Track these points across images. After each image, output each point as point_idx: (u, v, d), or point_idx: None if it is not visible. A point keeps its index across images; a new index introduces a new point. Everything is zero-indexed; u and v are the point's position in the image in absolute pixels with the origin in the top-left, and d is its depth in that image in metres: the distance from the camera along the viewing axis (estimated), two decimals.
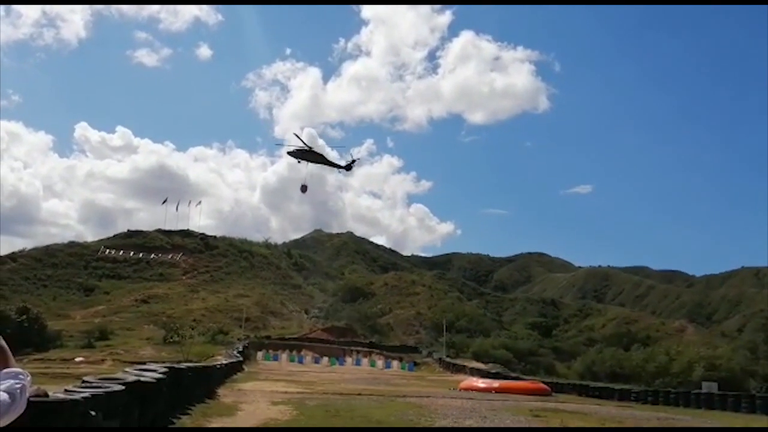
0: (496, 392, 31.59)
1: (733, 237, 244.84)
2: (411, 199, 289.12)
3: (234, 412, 17.49)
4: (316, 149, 47.23)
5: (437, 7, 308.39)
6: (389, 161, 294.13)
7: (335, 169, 49.52)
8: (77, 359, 44.18)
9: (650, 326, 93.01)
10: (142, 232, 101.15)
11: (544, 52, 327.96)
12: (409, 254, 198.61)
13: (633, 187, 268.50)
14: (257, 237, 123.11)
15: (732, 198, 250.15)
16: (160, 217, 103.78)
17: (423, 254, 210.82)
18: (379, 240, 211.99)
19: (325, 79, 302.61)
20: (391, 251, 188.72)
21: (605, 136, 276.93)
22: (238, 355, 44.58)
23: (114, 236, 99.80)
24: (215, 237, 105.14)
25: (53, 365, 39.22)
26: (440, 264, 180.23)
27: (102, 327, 58.14)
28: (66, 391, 8.27)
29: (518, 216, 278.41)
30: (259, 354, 54.59)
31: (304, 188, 49.76)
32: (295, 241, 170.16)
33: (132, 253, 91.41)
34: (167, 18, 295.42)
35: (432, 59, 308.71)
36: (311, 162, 46.86)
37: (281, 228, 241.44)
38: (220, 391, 22.95)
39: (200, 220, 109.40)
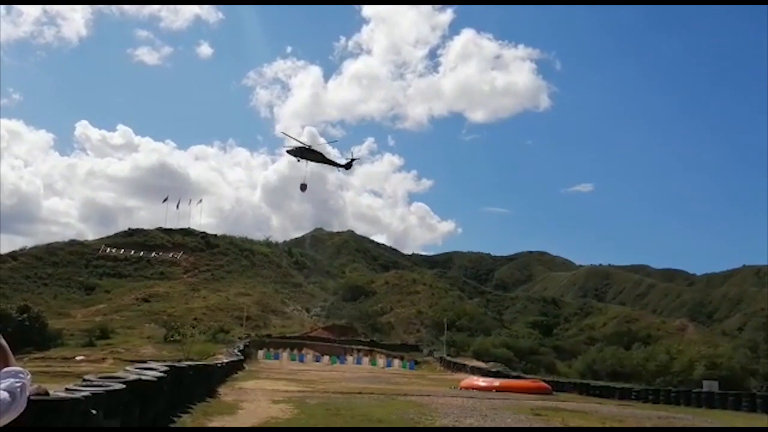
0: (496, 391, 31.57)
1: (734, 236, 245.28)
2: (412, 197, 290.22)
3: (235, 411, 17.49)
4: (315, 148, 47.21)
5: (438, 5, 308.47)
6: (390, 160, 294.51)
7: (335, 167, 49.53)
8: (78, 358, 44.21)
9: (651, 325, 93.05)
10: (142, 230, 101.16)
11: (545, 51, 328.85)
12: (410, 253, 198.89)
13: (634, 185, 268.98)
14: (258, 235, 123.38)
15: (733, 197, 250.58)
16: (161, 215, 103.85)
17: (424, 253, 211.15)
18: (380, 238, 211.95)
19: (326, 77, 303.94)
20: (392, 250, 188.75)
21: (606, 134, 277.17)
22: (238, 353, 44.58)
23: (115, 235, 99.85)
24: (216, 235, 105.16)
25: (54, 364, 39.23)
26: (441, 262, 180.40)
27: (103, 326, 58.19)
28: (67, 389, 8.27)
29: (519, 215, 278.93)
30: (260, 353, 54.61)
31: (303, 187, 49.76)
32: (296, 239, 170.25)
33: (133, 251, 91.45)
34: (168, 16, 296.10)
35: (433, 57, 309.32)
36: (311, 161, 46.86)
37: (282, 226, 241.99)
38: (221, 389, 22.95)
39: (201, 219, 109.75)
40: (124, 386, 9.60)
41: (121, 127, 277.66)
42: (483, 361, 56.03)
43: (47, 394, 2.93)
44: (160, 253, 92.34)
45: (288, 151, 47.24)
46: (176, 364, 16.51)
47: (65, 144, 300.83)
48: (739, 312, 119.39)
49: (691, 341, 69.49)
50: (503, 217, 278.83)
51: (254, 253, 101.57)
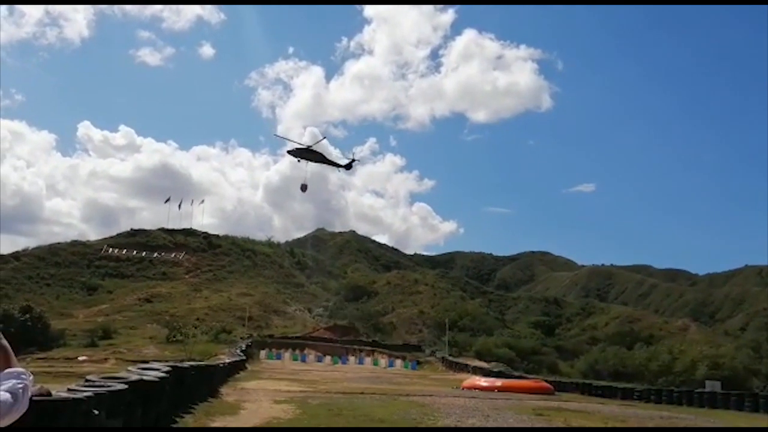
0: (498, 391, 31.54)
1: (736, 235, 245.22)
2: (414, 197, 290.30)
3: (237, 411, 17.49)
4: (316, 148, 47.14)
5: (440, 5, 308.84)
6: (392, 160, 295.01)
7: (336, 168, 49.47)
8: (80, 358, 44.24)
9: (653, 325, 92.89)
10: (145, 231, 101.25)
11: (546, 51, 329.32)
12: (412, 253, 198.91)
13: (636, 185, 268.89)
14: (260, 236, 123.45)
15: (735, 196, 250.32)
16: (163, 216, 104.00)
17: (426, 253, 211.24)
18: (382, 239, 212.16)
19: (328, 77, 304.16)
20: (394, 250, 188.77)
21: (608, 134, 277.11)
22: (241, 353, 44.58)
23: (117, 235, 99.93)
24: (218, 236, 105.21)
25: (56, 364, 39.27)
26: (443, 263, 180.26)
27: (105, 326, 58.26)
28: (69, 390, 8.28)
29: (521, 215, 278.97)
30: (262, 353, 54.61)
31: (304, 187, 49.68)
32: (298, 239, 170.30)
33: (135, 252, 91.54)
34: (170, 17, 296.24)
35: (434, 58, 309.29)
36: (311, 161, 46.80)
37: (284, 227, 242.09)
38: (223, 390, 22.96)
39: (203, 219, 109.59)
40: (126, 386, 9.60)
41: (123, 127, 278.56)
42: (485, 361, 55.99)
43: (49, 394, 2.93)
44: (163, 254, 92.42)
45: (288, 152, 47.22)
46: (178, 365, 16.51)
47: (67, 145, 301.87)
48: (742, 312, 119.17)
49: (693, 341, 69.40)
50: (505, 217, 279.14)
51: (256, 254, 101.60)
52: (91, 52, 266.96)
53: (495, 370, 46.34)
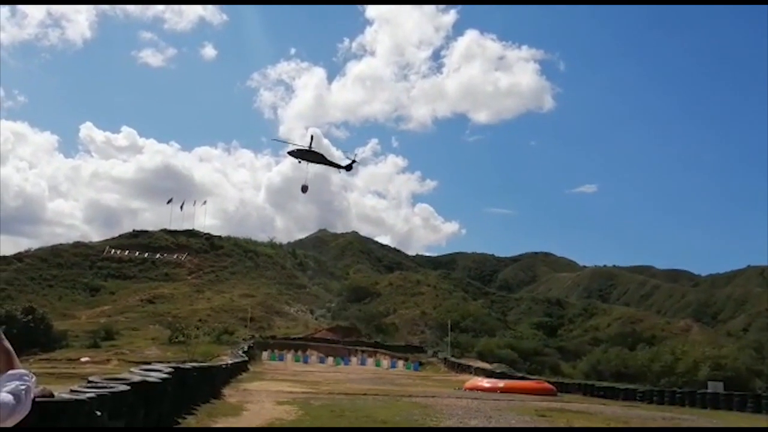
0: (501, 392, 31.53)
1: (738, 236, 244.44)
2: (416, 198, 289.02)
3: (239, 412, 17.50)
4: (316, 149, 47.12)
5: (442, 6, 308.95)
6: (394, 161, 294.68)
7: (336, 169, 49.42)
8: (83, 359, 44.31)
9: (655, 326, 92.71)
10: (147, 232, 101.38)
11: (548, 52, 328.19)
12: (414, 254, 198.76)
13: (638, 186, 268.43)
14: (262, 237, 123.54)
15: (737, 197, 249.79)
16: (165, 217, 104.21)
17: (428, 254, 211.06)
18: (384, 240, 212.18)
19: (330, 78, 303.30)
20: (396, 251, 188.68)
21: (610, 135, 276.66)
22: (243, 355, 44.61)
23: (119, 236, 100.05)
24: (220, 237, 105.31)
25: (59, 365, 39.34)
26: (445, 263, 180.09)
27: (107, 327, 58.33)
28: (71, 391, 8.30)
29: (523, 215, 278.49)
30: (265, 354, 54.63)
31: (304, 188, 49.62)
32: (300, 240, 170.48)
33: (137, 253, 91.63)
34: (172, 18, 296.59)
35: (436, 59, 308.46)
36: (312, 162, 46.76)
37: (286, 228, 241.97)
38: (226, 391, 22.98)
39: (205, 220, 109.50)
40: (128, 388, 9.62)
41: (125, 128, 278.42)
42: (487, 362, 55.99)
43: (52, 395, 2.93)
44: (165, 255, 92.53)
45: (289, 153, 47.21)
46: (181, 366, 16.53)
47: (70, 146, 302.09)
48: (744, 313, 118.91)
49: (695, 342, 69.21)
50: (507, 218, 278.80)
51: (258, 255, 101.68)
52: (93, 53, 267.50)
53: (497, 371, 46.36)
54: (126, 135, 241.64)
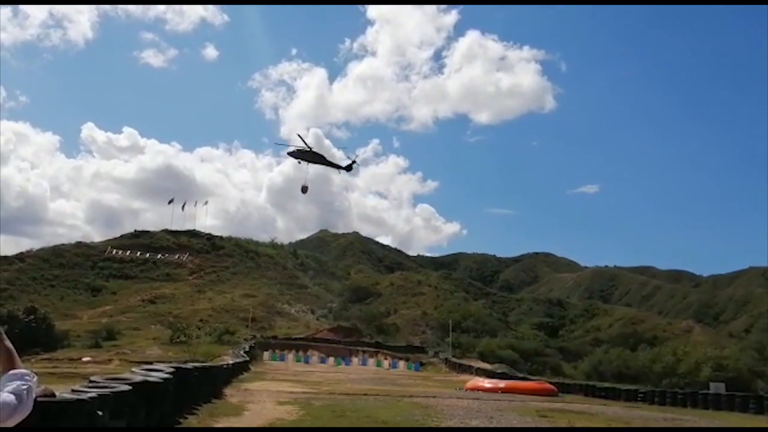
0: (502, 392, 31.49)
1: (740, 237, 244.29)
2: (417, 199, 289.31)
3: (240, 412, 17.50)
4: (316, 150, 47.10)
5: (443, 6, 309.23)
6: (395, 161, 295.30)
7: (336, 169, 49.37)
8: (84, 359, 44.34)
9: (657, 326, 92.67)
10: (148, 232, 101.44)
11: (550, 52, 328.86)
12: (415, 254, 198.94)
13: (639, 186, 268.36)
14: (263, 237, 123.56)
15: (739, 197, 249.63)
16: (167, 217, 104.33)
17: (429, 254, 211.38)
18: (385, 240, 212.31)
19: (331, 79, 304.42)
20: (397, 251, 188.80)
21: (611, 135, 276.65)
22: (244, 355, 44.60)
23: (121, 236, 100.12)
24: (221, 237, 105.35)
25: (61, 365, 39.36)
26: (446, 264, 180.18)
27: (109, 327, 58.38)
28: (73, 391, 8.30)
29: (524, 216, 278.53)
30: (266, 354, 54.63)
31: (304, 189, 49.56)
32: (301, 241, 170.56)
33: (139, 253, 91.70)
34: (173, 19, 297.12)
35: (438, 59, 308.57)
36: (311, 162, 46.74)
37: (287, 228, 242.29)
38: (227, 391, 22.98)
39: (206, 221, 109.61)
40: (130, 387, 9.62)
41: (126, 129, 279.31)
42: (488, 362, 55.94)
43: (54, 395, 2.93)
44: (166, 255, 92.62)
45: (289, 153, 47.20)
46: (182, 366, 16.53)
47: (71, 146, 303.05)
48: (746, 313, 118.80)
49: (697, 343, 69.10)
50: (508, 218, 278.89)
51: (259, 255, 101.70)
52: (94, 54, 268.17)
53: (498, 371, 46.31)
54: (127, 135, 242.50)
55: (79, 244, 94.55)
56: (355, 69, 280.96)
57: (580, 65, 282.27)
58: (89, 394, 7.91)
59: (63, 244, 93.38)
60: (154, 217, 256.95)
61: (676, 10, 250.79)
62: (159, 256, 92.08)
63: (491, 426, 17.30)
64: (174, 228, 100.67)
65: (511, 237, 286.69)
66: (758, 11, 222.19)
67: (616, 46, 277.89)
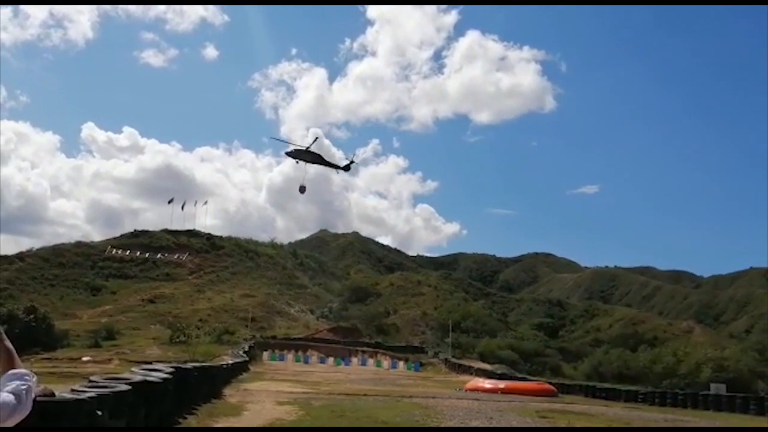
0: (502, 393, 31.49)
1: (740, 237, 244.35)
2: (417, 199, 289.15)
3: (240, 412, 17.49)
4: (315, 149, 47.07)
5: (443, 6, 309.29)
6: (395, 161, 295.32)
7: (334, 169, 49.36)
8: (84, 359, 44.30)
9: (657, 327, 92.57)
10: (148, 232, 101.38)
11: (550, 52, 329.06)
12: (415, 254, 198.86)
13: (639, 186, 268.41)
14: (263, 237, 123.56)
15: (740, 198, 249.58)
16: (167, 217, 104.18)
17: (429, 254, 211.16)
18: (385, 240, 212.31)
19: (331, 79, 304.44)
20: (397, 251, 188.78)
21: (612, 136, 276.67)
22: (243, 355, 44.60)
23: (121, 236, 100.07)
24: (221, 237, 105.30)
25: (61, 364, 39.33)
26: (446, 264, 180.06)
27: (109, 326, 58.35)
28: (73, 390, 8.29)
29: (524, 216, 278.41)
30: (265, 354, 54.62)
31: (302, 189, 49.53)
32: (301, 241, 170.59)
33: (138, 252, 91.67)
34: (173, 18, 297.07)
35: (438, 59, 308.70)
36: (309, 162, 46.72)
37: (287, 228, 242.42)
38: (226, 391, 22.97)
39: (206, 220, 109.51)
40: (129, 387, 9.61)
41: (127, 128, 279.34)
42: (488, 363, 55.95)
43: (53, 395, 2.92)
44: (166, 255, 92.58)
45: (287, 153, 47.19)
46: (181, 366, 16.53)
47: (72, 146, 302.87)
48: (746, 314, 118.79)
49: (697, 343, 69.09)
50: (508, 218, 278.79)
51: (259, 255, 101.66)
52: (95, 54, 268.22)
53: (498, 372, 46.30)
54: (127, 135, 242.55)
55: (79, 244, 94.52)
56: (355, 69, 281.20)
57: (581, 65, 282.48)
58: (89, 394, 7.90)
59: (63, 244, 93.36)
60: (153, 217, 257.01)
61: (677, 10, 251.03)
62: (159, 255, 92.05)
63: (491, 426, 17.29)
64: (174, 228, 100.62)
65: (511, 237, 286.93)
66: (758, 11, 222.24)
67: (617, 46, 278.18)
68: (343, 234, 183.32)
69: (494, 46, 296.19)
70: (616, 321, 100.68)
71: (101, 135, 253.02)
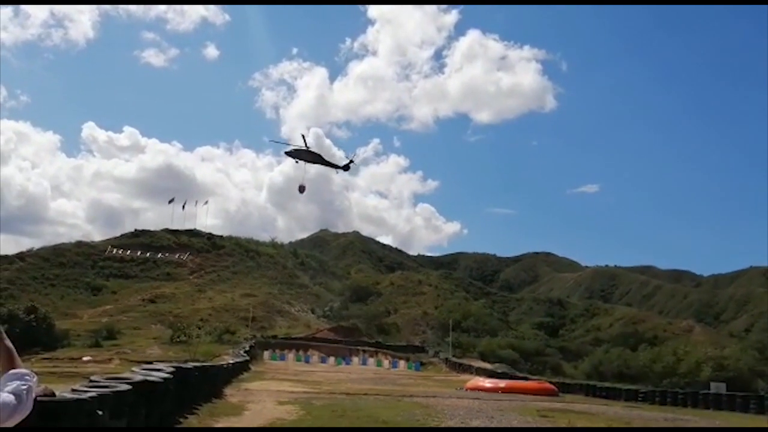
0: (502, 392, 31.47)
1: (740, 236, 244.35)
2: (417, 198, 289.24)
3: (241, 412, 17.49)
4: (315, 149, 47.07)
5: (443, 6, 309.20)
6: (395, 161, 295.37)
7: (334, 169, 49.32)
8: (85, 358, 44.32)
9: (657, 326, 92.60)
10: (149, 231, 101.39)
11: (550, 52, 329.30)
12: (416, 254, 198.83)
13: (640, 186, 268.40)
14: (264, 236, 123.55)
15: (740, 197, 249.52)
16: (167, 216, 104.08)
17: (429, 254, 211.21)
18: (386, 239, 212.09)
19: (332, 78, 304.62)
20: (398, 251, 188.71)
21: (612, 135, 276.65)
22: (244, 354, 44.58)
23: (121, 236, 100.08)
24: (222, 236, 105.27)
25: (61, 364, 39.35)
26: (446, 264, 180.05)
27: (109, 326, 58.37)
28: (73, 390, 8.29)
29: (525, 215, 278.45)
30: (266, 354, 54.61)
31: (301, 188, 49.52)
32: (302, 240, 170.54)
33: (139, 252, 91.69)
34: (174, 18, 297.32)
35: (438, 58, 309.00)
36: (308, 162, 46.71)
37: (288, 227, 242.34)
38: (227, 390, 22.97)
39: (207, 220, 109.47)
40: (130, 387, 9.61)
41: (127, 128, 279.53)
42: (489, 362, 55.96)
43: (53, 395, 2.93)
44: (167, 254, 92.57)
45: (286, 153, 47.21)
46: (182, 365, 16.52)
47: (72, 145, 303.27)
48: (746, 313, 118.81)
49: (697, 342, 69.09)
50: (509, 218, 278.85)
51: (260, 254, 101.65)
52: (95, 54, 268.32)
53: (499, 371, 46.31)
54: (128, 135, 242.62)
55: (79, 244, 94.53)
56: (356, 68, 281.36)
57: (581, 65, 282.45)
58: (89, 394, 7.90)
59: (63, 244, 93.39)
60: (154, 217, 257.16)
61: (677, 10, 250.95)
62: (159, 255, 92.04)
63: (492, 426, 17.29)
64: (174, 227, 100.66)
65: (512, 237, 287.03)
66: (758, 11, 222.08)
67: (617, 45, 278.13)
68: (344, 233, 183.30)
69: (495, 46, 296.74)
70: (617, 320, 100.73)
71: (102, 135, 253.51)
